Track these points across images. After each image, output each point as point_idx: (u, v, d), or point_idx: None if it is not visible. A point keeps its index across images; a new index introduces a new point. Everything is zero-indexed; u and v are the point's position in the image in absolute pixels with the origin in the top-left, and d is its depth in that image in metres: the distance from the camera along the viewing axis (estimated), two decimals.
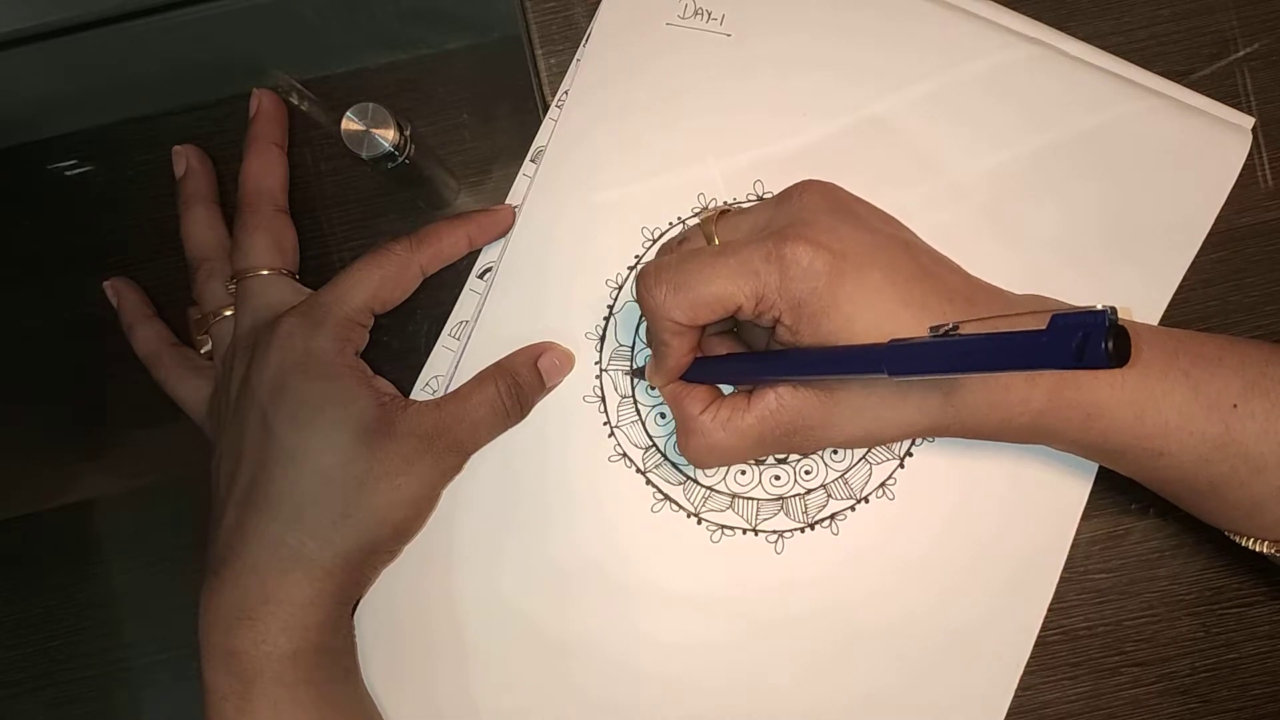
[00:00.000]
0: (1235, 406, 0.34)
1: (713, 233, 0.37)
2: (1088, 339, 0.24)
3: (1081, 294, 0.40)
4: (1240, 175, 0.41)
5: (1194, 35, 0.43)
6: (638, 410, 0.42)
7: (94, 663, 0.44)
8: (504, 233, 0.42)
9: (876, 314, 0.33)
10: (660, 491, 0.41)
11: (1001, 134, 0.42)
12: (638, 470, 0.41)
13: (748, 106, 0.42)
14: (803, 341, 0.34)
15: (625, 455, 0.41)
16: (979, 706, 0.40)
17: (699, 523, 0.41)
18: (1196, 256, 0.41)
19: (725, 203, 0.42)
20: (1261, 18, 0.43)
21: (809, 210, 0.35)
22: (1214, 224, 0.41)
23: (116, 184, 0.44)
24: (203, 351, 0.42)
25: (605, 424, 0.41)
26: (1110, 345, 0.23)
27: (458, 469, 0.40)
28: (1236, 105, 0.42)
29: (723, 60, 0.42)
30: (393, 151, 0.37)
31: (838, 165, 0.41)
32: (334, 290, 0.39)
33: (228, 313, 0.41)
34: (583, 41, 0.43)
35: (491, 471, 0.41)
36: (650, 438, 0.41)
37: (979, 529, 0.40)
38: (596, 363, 0.42)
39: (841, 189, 0.37)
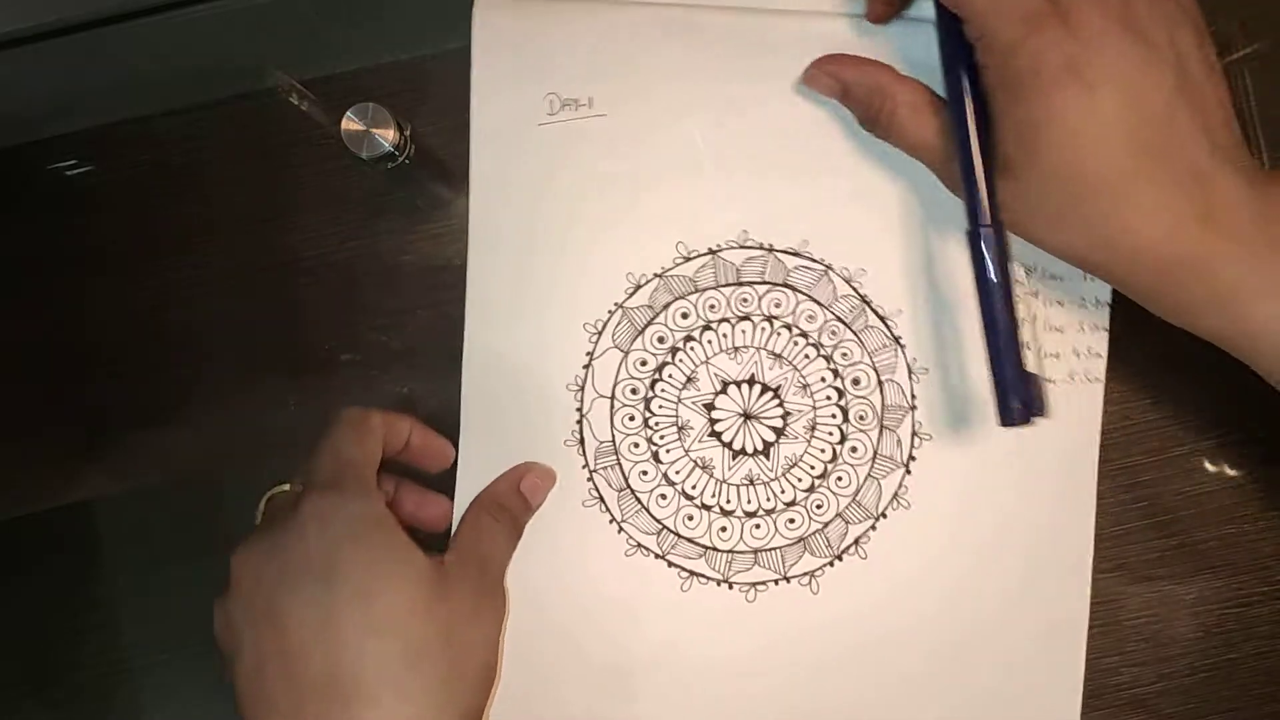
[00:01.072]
0: None
1: None
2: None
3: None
4: None
5: None
6: (637, 499, 0.41)
7: (94, 663, 0.44)
8: (440, 464, 0.41)
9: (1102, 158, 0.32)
10: (684, 570, 0.41)
11: None
12: (657, 556, 0.41)
13: (654, 173, 0.40)
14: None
15: (640, 546, 0.41)
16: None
17: (730, 587, 0.41)
18: None
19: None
20: (1261, 18, 0.43)
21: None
22: None
23: (116, 184, 0.44)
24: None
25: (611, 522, 0.41)
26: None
27: (504, 600, 0.40)
28: (1236, 105, 0.42)
29: (611, 136, 0.40)
30: (393, 151, 0.37)
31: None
32: (324, 454, 0.37)
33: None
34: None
35: (511, 590, 0.40)
36: (659, 522, 0.41)
37: (987, 533, 0.40)
38: (585, 466, 0.41)
39: None
